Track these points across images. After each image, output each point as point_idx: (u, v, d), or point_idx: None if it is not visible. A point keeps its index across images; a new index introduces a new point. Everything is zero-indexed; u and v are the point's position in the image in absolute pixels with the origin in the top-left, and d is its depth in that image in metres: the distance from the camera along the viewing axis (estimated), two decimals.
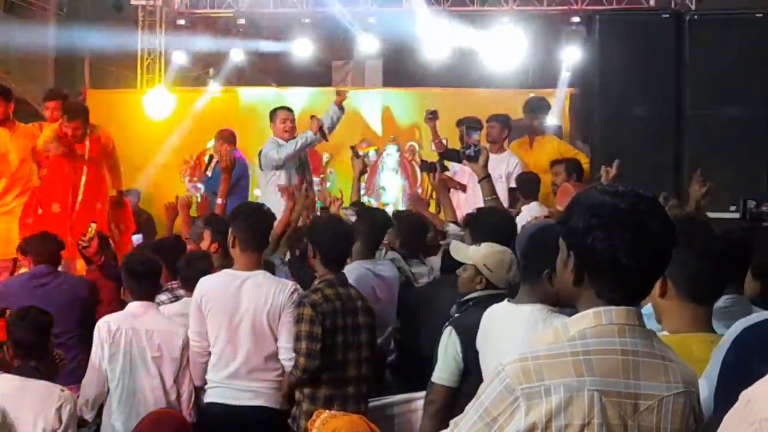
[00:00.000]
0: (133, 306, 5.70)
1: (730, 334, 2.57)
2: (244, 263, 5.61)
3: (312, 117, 9.64)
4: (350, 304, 5.46)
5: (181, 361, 5.62)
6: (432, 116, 9.98)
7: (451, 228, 6.84)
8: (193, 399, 5.66)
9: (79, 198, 9.03)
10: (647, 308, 3.22)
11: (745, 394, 1.73)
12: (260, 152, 9.61)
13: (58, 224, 8.65)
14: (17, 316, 5.11)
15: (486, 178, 6.69)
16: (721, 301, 3.42)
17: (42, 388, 4.94)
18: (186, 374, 5.63)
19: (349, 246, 5.77)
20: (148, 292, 5.76)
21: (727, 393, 1.77)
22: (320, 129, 9.40)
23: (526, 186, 8.55)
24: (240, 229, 5.63)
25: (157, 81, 13.70)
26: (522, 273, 4.22)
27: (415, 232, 6.69)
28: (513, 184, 9.13)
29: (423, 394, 4.98)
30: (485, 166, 6.69)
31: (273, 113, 9.81)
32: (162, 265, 6.03)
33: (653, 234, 2.33)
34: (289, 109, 9.83)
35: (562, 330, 2.37)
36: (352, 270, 6.23)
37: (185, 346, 5.61)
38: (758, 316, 2.58)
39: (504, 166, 9.33)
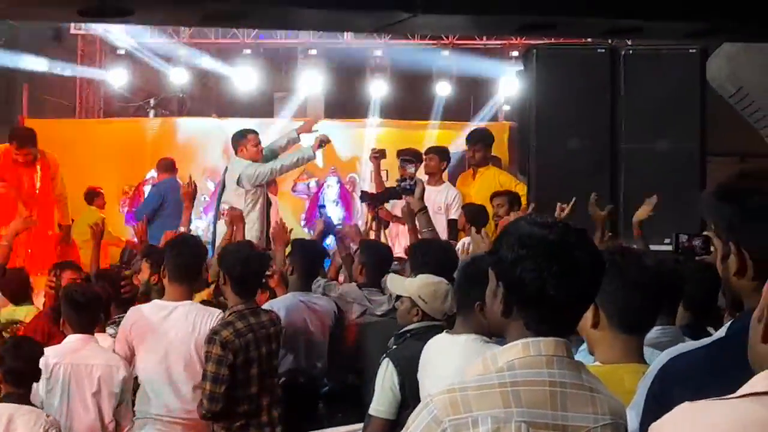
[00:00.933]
0: (72, 339, 5.55)
1: (655, 364, 2.60)
2: (172, 294, 5.62)
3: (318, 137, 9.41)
4: (263, 332, 5.41)
5: (122, 396, 5.51)
6: (378, 155, 9.88)
7: None
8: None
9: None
10: None
11: (652, 427, 1.74)
12: (236, 171, 9.16)
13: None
14: (11, 346, 5.17)
15: (422, 210, 6.73)
16: (653, 332, 3.46)
17: (31, 414, 4.99)
18: (127, 409, 5.54)
19: (261, 273, 5.75)
20: (87, 324, 5.59)
21: (649, 423, 1.79)
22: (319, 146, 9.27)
23: (476, 217, 8.56)
24: (168, 261, 5.65)
25: (96, 111, 13.61)
26: (457, 304, 4.26)
27: (382, 263, 6.62)
28: (452, 216, 9.17)
29: (359, 426, 4.97)
30: (421, 198, 6.73)
31: (241, 136, 9.35)
32: (106, 296, 5.94)
33: (581, 266, 2.35)
34: (256, 132, 9.58)
35: (491, 361, 2.38)
36: (286, 300, 6.29)
37: (126, 380, 5.51)
38: (684, 346, 2.60)
39: (443, 198, 9.37)
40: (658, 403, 2.25)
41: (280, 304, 6.25)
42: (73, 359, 5.50)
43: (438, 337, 4.33)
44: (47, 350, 5.48)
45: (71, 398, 5.44)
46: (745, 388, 1.71)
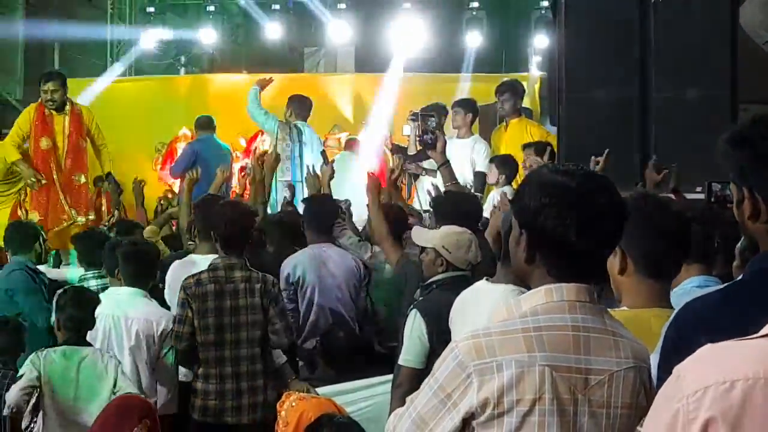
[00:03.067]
0: (121, 291, 5.91)
1: (677, 310, 2.62)
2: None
3: None
4: (229, 286, 5.55)
5: (159, 350, 5.71)
6: (414, 118, 9.87)
7: None
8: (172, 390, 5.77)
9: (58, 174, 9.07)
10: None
11: (677, 370, 1.75)
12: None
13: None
14: (72, 295, 5.46)
15: (445, 164, 6.72)
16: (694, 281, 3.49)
17: (95, 353, 5.36)
18: (166, 370, 5.74)
19: (247, 231, 5.82)
20: (137, 278, 5.88)
21: (669, 368, 1.81)
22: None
23: (507, 170, 8.58)
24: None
25: (128, 68, 13.67)
26: (502, 254, 4.25)
27: (399, 224, 6.65)
28: (479, 168, 9.19)
29: (386, 378, 5.05)
30: (443, 152, 6.72)
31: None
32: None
33: (604, 213, 2.37)
34: None
35: (515, 307, 2.41)
36: (301, 254, 6.51)
37: (166, 336, 5.71)
38: (702, 291, 2.63)
39: (469, 151, 9.37)
40: (675, 347, 2.27)
41: (295, 260, 6.46)
42: (115, 311, 5.65)
43: (476, 285, 4.36)
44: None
45: (109, 349, 5.60)
46: (766, 329, 1.72)
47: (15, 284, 6.70)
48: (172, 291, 6.10)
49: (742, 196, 2.26)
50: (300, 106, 10.16)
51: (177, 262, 6.34)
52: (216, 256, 5.74)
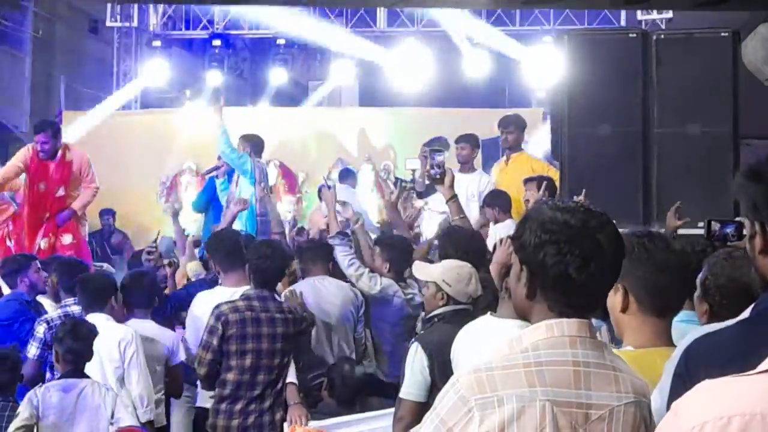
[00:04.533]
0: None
1: (682, 345, 2.63)
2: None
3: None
4: (266, 314, 5.80)
5: (123, 361, 5.90)
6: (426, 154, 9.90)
7: None
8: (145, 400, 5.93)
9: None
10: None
11: (675, 405, 1.77)
12: None
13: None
14: (71, 328, 5.54)
15: (453, 198, 6.76)
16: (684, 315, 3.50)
17: (94, 385, 5.47)
18: (133, 373, 5.92)
19: (281, 267, 6.06)
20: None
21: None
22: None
23: (500, 201, 8.63)
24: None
25: (133, 102, 13.75)
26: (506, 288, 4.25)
27: (405, 255, 6.73)
28: None
29: (387, 411, 5.06)
30: (451, 186, 6.76)
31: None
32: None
33: (603, 250, 2.39)
34: None
35: (516, 342, 2.42)
36: (301, 284, 6.67)
37: (126, 345, 5.94)
38: (708, 327, 2.64)
39: (476, 186, 9.41)
40: (683, 384, 2.28)
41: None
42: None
43: (482, 320, 4.36)
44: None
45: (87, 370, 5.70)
46: (764, 364, 1.73)
47: (11, 314, 6.80)
48: (193, 318, 6.34)
49: (755, 231, 2.28)
50: (259, 145, 10.11)
51: (206, 292, 6.53)
52: (245, 287, 6.01)
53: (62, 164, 9.32)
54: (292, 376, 5.98)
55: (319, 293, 6.60)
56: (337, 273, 6.85)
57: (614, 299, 3.06)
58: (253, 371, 5.78)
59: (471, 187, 9.29)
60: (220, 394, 5.83)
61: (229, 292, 6.24)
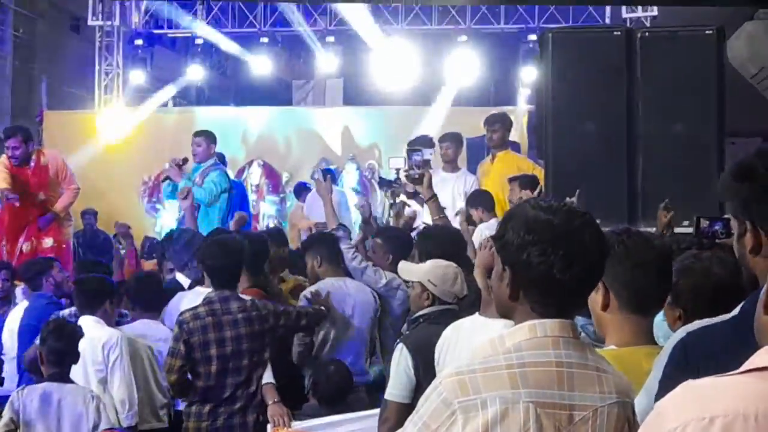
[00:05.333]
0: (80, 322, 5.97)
1: (672, 340, 2.61)
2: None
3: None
4: (228, 317, 5.71)
5: (106, 364, 5.88)
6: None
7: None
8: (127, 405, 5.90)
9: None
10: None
11: (658, 405, 1.75)
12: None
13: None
14: (54, 328, 5.47)
15: (432, 198, 6.74)
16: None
17: (77, 390, 5.40)
18: (116, 377, 5.89)
19: (236, 264, 5.91)
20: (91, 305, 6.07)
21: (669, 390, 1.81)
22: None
23: (483, 201, 8.60)
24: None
25: (116, 101, 13.69)
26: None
27: (405, 248, 6.64)
28: None
29: (373, 412, 5.03)
30: (430, 186, 6.75)
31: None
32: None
33: (587, 249, 2.37)
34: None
35: (498, 342, 2.40)
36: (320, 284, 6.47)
37: (110, 348, 5.91)
38: (700, 322, 2.62)
39: (461, 185, 9.39)
40: (683, 373, 2.25)
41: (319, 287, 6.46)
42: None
43: (468, 319, 4.35)
44: None
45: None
46: (747, 364, 1.72)
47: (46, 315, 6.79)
48: (171, 320, 6.26)
49: (744, 230, 2.26)
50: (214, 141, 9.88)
51: (186, 293, 6.55)
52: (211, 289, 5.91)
53: (38, 169, 9.27)
54: (269, 377, 5.89)
55: (340, 294, 6.46)
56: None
57: (595, 297, 3.04)
58: (220, 376, 5.73)
59: (457, 187, 9.27)
60: (191, 398, 5.79)
61: (207, 292, 6.16)
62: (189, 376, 5.73)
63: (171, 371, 5.70)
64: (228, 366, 5.73)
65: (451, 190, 9.15)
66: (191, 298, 6.26)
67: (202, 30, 14.28)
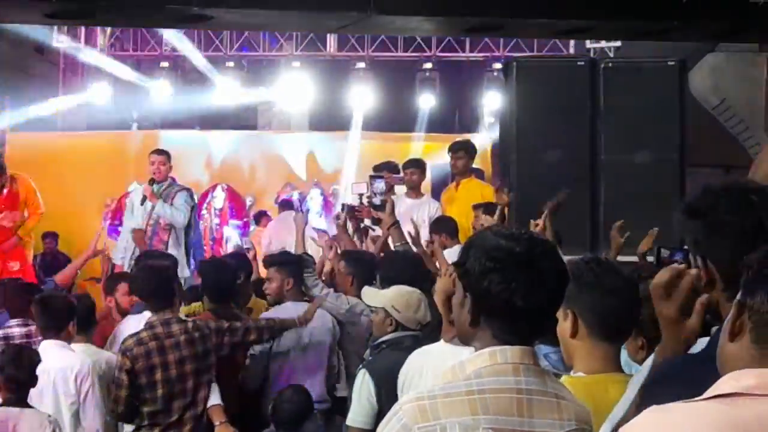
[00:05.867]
0: (42, 345, 5.86)
1: (647, 364, 2.63)
2: None
3: None
4: (171, 340, 5.70)
5: (78, 396, 5.73)
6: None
7: None
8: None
9: None
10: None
11: (622, 430, 1.78)
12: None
13: None
14: (12, 356, 5.34)
15: (394, 225, 6.75)
16: None
17: (34, 416, 5.23)
18: (89, 407, 5.75)
19: (170, 286, 5.94)
20: (53, 328, 5.87)
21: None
22: None
23: (447, 227, 8.62)
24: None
25: (79, 123, 13.63)
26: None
27: (370, 272, 6.60)
28: None
29: None
30: (392, 213, 6.76)
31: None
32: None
33: (548, 277, 2.38)
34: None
35: (459, 369, 2.41)
36: (282, 310, 6.45)
37: (83, 379, 5.75)
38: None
39: (426, 210, 9.40)
40: (656, 400, 2.27)
41: (274, 315, 6.42)
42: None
43: (433, 346, 4.36)
44: None
45: (42, 403, 5.55)
46: (710, 391, 1.76)
47: None
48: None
49: (698, 265, 2.31)
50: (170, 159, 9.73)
51: (130, 317, 6.46)
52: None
53: (10, 196, 9.30)
54: (216, 398, 5.88)
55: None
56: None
57: (564, 325, 3.06)
58: (166, 399, 5.72)
59: (420, 213, 9.28)
60: (138, 423, 5.76)
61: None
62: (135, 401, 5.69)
63: (118, 402, 5.66)
64: (174, 390, 5.72)
65: (415, 217, 9.16)
66: (137, 321, 6.19)
67: (167, 52, 14.25)
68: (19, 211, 9.36)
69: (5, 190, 9.29)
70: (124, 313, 6.56)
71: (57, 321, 5.87)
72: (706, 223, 2.30)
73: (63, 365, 5.67)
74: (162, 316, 5.80)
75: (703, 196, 2.34)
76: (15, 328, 6.53)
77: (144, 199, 9.15)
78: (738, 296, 1.84)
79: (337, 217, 7.45)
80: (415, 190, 9.58)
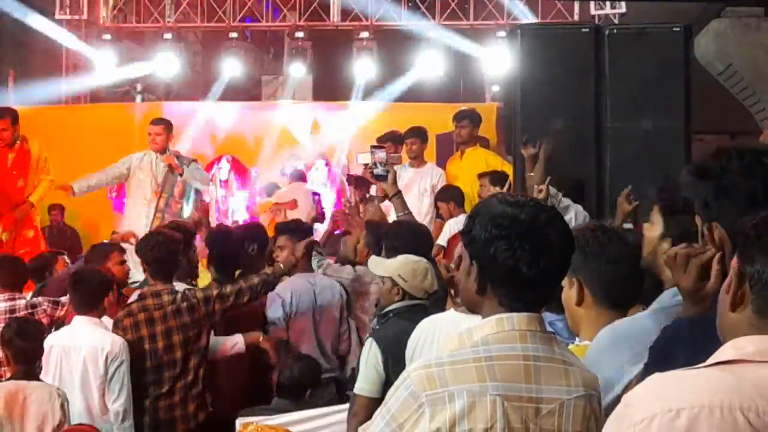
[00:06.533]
0: (73, 321, 5.85)
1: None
2: None
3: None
4: (159, 312, 5.77)
5: (107, 376, 5.63)
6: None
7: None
8: (122, 416, 5.68)
9: None
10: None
11: (626, 397, 1.78)
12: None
13: None
14: (18, 328, 5.41)
15: (396, 195, 6.76)
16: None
17: (43, 388, 5.29)
18: (118, 390, 5.66)
19: (170, 257, 5.96)
20: (87, 305, 5.80)
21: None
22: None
23: (454, 196, 8.64)
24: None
25: (83, 96, 13.62)
26: None
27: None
28: None
29: (342, 407, 5.04)
30: (394, 183, 6.76)
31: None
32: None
33: (553, 244, 2.39)
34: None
35: (466, 336, 2.42)
36: (293, 282, 6.47)
37: (112, 359, 5.64)
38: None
39: (428, 179, 9.41)
40: (665, 361, 2.27)
41: (288, 286, 6.43)
42: (66, 341, 5.63)
43: (445, 314, 4.39)
44: (49, 335, 5.74)
45: (62, 380, 5.56)
46: (712, 358, 1.77)
47: None
48: None
49: (704, 230, 2.30)
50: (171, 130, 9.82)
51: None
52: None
53: (22, 154, 9.25)
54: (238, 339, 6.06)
55: (311, 289, 6.49)
56: None
57: (569, 293, 3.08)
58: (155, 370, 5.80)
59: (423, 182, 9.29)
60: (138, 395, 5.80)
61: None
62: None
63: None
64: (162, 360, 5.79)
65: (418, 185, 9.17)
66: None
67: (171, 24, 14.21)
68: (29, 173, 9.32)
69: (17, 147, 9.26)
70: (119, 283, 6.45)
71: (91, 297, 5.80)
72: (716, 185, 2.28)
73: (94, 344, 5.63)
74: (154, 287, 5.86)
75: (715, 158, 2.32)
76: (20, 300, 6.56)
77: (167, 169, 9.16)
78: (734, 264, 1.83)
79: (349, 201, 7.46)
80: (417, 159, 9.58)
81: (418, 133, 9.76)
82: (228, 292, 5.94)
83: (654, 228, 2.66)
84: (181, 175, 9.14)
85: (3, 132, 9.09)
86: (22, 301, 6.59)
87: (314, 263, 6.62)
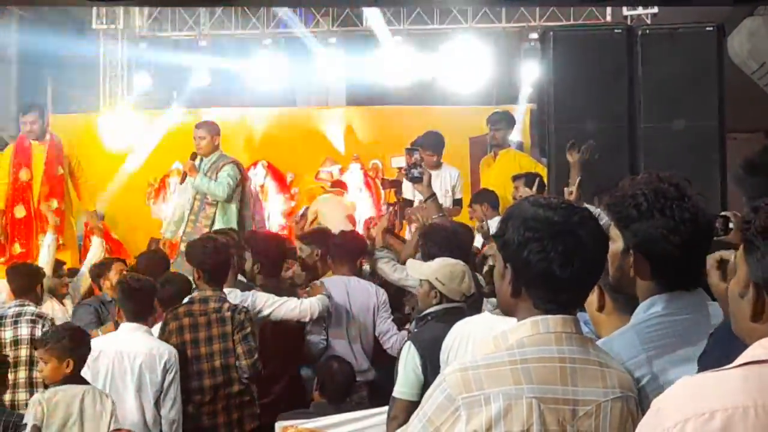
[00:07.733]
0: (122, 328, 5.87)
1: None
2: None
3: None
4: (203, 318, 5.82)
5: (163, 384, 5.69)
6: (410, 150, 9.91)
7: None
8: (175, 424, 5.74)
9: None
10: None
11: (656, 402, 1.79)
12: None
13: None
14: (77, 336, 5.42)
15: (432, 197, 6.82)
16: None
17: (95, 392, 5.36)
18: (170, 397, 5.70)
19: (226, 266, 6.07)
20: (138, 312, 5.86)
21: (708, 361, 1.84)
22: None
23: (488, 198, 8.67)
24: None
25: (120, 104, 13.73)
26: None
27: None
28: (457, 195, 9.30)
29: (381, 410, 5.08)
30: (429, 185, 6.84)
31: None
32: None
33: (586, 246, 2.41)
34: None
35: (502, 339, 2.44)
36: (331, 282, 6.67)
37: (168, 368, 5.69)
38: None
39: (448, 181, 9.45)
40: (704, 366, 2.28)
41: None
42: (118, 348, 5.67)
43: (480, 317, 4.43)
44: (95, 340, 5.74)
45: (114, 386, 5.60)
46: (741, 358, 1.77)
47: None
48: None
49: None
50: (218, 133, 9.62)
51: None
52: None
53: (54, 143, 9.50)
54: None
55: (346, 289, 6.66)
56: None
57: (591, 298, 3.07)
58: (198, 377, 5.82)
59: (444, 184, 9.34)
60: (185, 399, 5.83)
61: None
62: None
63: None
64: (202, 367, 5.81)
65: (439, 187, 9.22)
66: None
67: (206, 32, 14.30)
68: (63, 161, 9.50)
69: (47, 137, 9.43)
70: None
71: (143, 306, 5.86)
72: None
73: (151, 351, 5.68)
74: (203, 293, 5.88)
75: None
76: (9, 309, 6.62)
77: (185, 176, 9.15)
78: (748, 274, 1.82)
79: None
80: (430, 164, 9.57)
81: (425, 143, 9.57)
82: (252, 347, 5.92)
83: (615, 243, 2.63)
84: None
85: (32, 125, 9.36)
86: (30, 308, 6.67)
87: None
